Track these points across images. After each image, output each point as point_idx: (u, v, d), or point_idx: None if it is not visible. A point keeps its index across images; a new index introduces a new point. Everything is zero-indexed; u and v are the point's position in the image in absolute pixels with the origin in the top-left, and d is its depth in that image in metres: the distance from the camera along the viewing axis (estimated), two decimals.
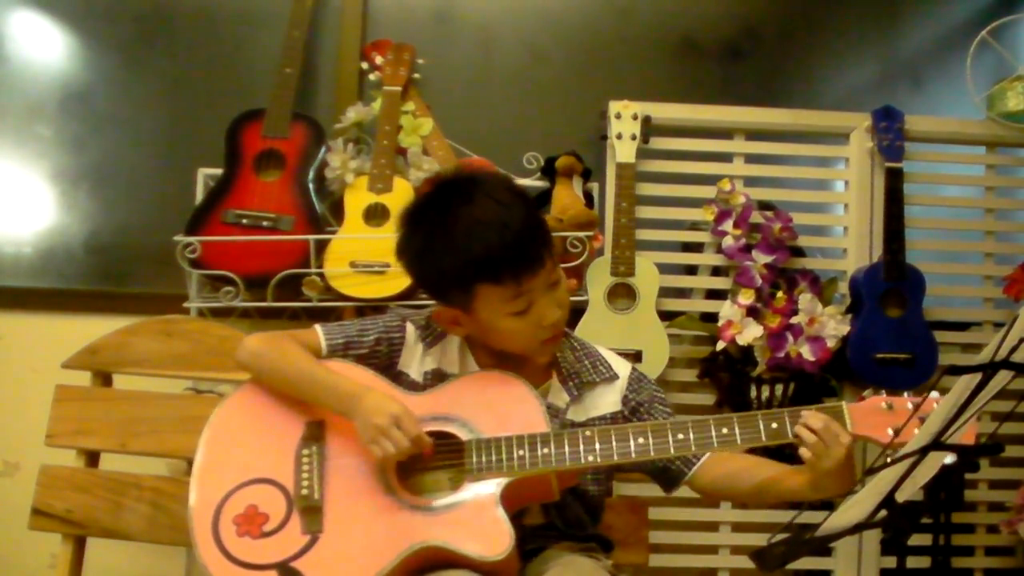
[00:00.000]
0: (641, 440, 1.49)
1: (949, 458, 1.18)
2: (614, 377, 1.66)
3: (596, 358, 1.68)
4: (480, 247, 1.45)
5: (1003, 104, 2.55)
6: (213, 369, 1.90)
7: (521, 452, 1.47)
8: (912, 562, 2.39)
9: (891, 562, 2.42)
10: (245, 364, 1.59)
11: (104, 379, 1.93)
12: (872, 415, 1.46)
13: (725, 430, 1.48)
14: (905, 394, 1.48)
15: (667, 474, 1.64)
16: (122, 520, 1.83)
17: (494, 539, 1.40)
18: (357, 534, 1.45)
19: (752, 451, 1.56)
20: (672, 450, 1.49)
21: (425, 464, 1.52)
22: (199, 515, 1.49)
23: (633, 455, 1.49)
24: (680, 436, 1.49)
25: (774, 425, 1.48)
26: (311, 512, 1.47)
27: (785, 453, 2.30)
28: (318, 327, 1.62)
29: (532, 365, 1.62)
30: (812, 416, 1.44)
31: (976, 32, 2.57)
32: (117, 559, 2.24)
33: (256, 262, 2.24)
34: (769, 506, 2.36)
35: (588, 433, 1.50)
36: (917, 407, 1.43)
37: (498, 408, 1.52)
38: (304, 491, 1.48)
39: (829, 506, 1.43)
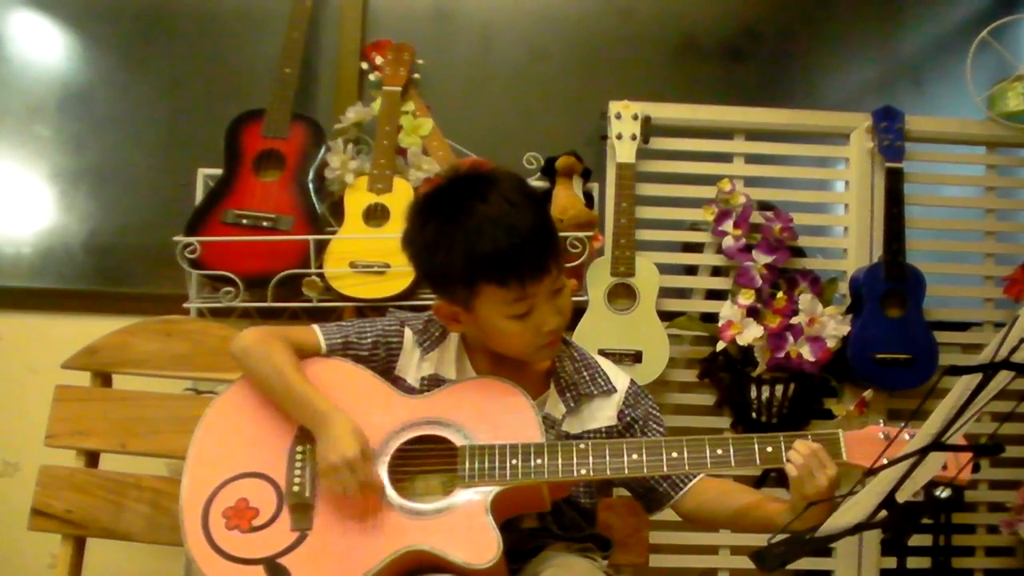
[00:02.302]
0: (635, 456, 1.49)
1: (944, 492, 1.19)
2: (612, 391, 1.66)
3: (595, 370, 1.68)
4: (489, 246, 1.44)
5: (1003, 104, 2.55)
6: (213, 369, 1.90)
7: (514, 461, 1.47)
8: (912, 562, 2.39)
9: (891, 562, 2.42)
10: (237, 358, 1.59)
11: (104, 379, 1.93)
12: (867, 444, 1.46)
13: (720, 451, 1.49)
14: (902, 424, 1.48)
15: (653, 495, 1.64)
16: (122, 520, 1.83)
17: (482, 547, 1.39)
18: (346, 534, 1.44)
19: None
20: (665, 467, 1.49)
21: (418, 468, 1.52)
22: (189, 506, 1.48)
23: (626, 471, 1.49)
24: (674, 454, 1.49)
25: (769, 449, 1.48)
26: (301, 509, 1.47)
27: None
28: (316, 327, 1.62)
29: (530, 374, 1.62)
30: (802, 443, 1.45)
31: (976, 32, 2.57)
32: (117, 559, 2.24)
33: (256, 262, 2.24)
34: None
35: (582, 446, 1.49)
36: (891, 440, 1.44)
37: (494, 416, 1.52)
38: (296, 488, 1.48)
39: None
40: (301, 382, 1.52)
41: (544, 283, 1.48)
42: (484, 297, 1.49)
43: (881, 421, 1.50)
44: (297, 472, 1.50)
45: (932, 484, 1.36)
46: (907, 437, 1.43)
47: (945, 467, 1.37)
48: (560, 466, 1.47)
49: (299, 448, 1.52)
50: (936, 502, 1.32)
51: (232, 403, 1.58)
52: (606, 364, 1.71)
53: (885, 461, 1.38)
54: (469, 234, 1.45)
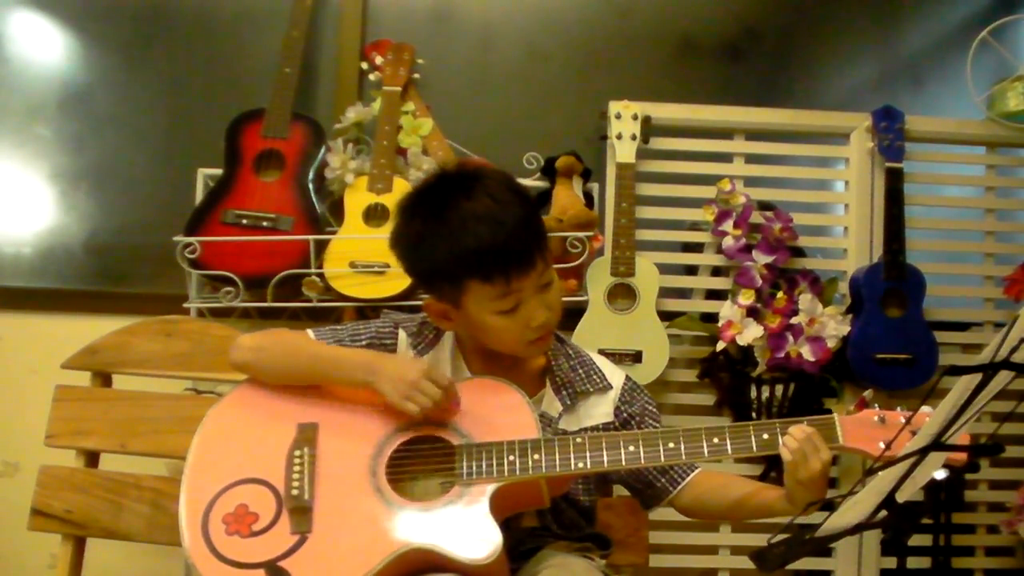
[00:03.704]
0: (632, 448, 1.49)
1: (941, 473, 1.19)
2: (607, 387, 1.66)
3: (590, 367, 1.68)
4: (472, 242, 1.44)
5: (1003, 104, 2.55)
6: (213, 369, 1.90)
7: (512, 458, 1.47)
8: (912, 562, 2.39)
9: (891, 562, 2.42)
10: (244, 361, 1.59)
11: (104, 379, 1.92)
12: (864, 428, 1.46)
13: (716, 440, 1.48)
14: (898, 408, 1.48)
15: (652, 490, 1.65)
16: (122, 520, 1.83)
17: (483, 542, 1.39)
18: (346, 535, 1.44)
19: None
20: (663, 458, 1.49)
21: (416, 468, 1.52)
22: (189, 512, 1.48)
23: (624, 463, 1.49)
24: (671, 445, 1.48)
25: (765, 436, 1.48)
26: (300, 512, 1.47)
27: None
28: (309, 331, 1.63)
29: (526, 372, 1.62)
30: (797, 428, 1.45)
31: (976, 32, 2.57)
32: (117, 559, 2.24)
33: (256, 262, 2.24)
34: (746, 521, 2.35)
35: (579, 440, 1.49)
36: (908, 420, 1.43)
37: (490, 415, 1.52)
38: (294, 491, 1.48)
39: (829, 506, 1.43)
40: (334, 349, 1.56)
41: (530, 277, 1.48)
42: (470, 293, 1.49)
43: (877, 406, 1.50)
44: (296, 475, 1.49)
45: None
46: (902, 420, 1.44)
47: None
48: (557, 461, 1.47)
49: (297, 453, 1.52)
50: (936, 501, 1.32)
51: (229, 410, 1.58)
52: (601, 361, 1.71)
53: (881, 445, 1.39)
54: (453, 230, 1.45)
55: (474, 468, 1.47)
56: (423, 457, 1.51)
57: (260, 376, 1.59)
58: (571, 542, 1.61)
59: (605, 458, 1.48)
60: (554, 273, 1.55)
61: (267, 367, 1.58)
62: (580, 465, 1.47)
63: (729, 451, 1.48)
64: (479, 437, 1.50)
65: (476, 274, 1.46)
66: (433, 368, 1.49)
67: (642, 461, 1.49)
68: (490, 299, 1.48)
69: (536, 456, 1.47)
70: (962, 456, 1.31)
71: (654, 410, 1.69)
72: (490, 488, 1.45)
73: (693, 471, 1.63)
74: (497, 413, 1.52)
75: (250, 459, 1.52)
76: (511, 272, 1.46)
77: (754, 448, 1.48)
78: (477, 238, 1.44)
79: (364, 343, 1.61)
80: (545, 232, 1.54)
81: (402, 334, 1.64)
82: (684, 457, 1.49)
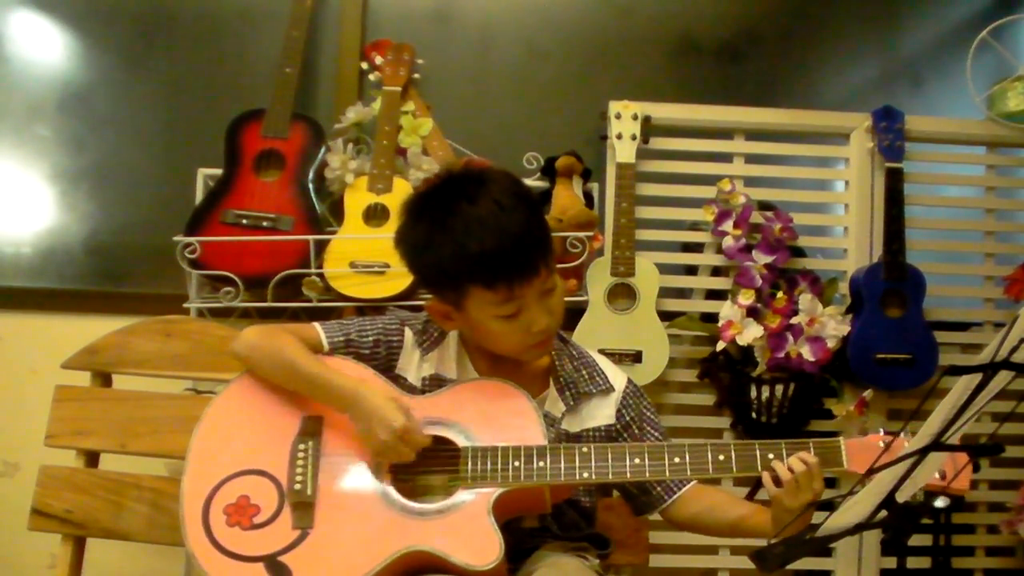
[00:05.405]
0: (637, 461, 1.49)
1: (941, 501, 1.20)
2: (610, 389, 1.66)
3: (593, 368, 1.68)
4: (475, 248, 1.44)
5: (1003, 104, 2.55)
6: (213, 369, 1.90)
7: (517, 463, 1.47)
8: (912, 562, 2.39)
9: (891, 562, 2.42)
10: (242, 356, 1.59)
11: (104, 379, 1.93)
12: (868, 452, 1.47)
13: (722, 456, 1.49)
14: (902, 434, 1.48)
15: (647, 496, 1.65)
16: (122, 520, 1.83)
17: (483, 549, 1.40)
18: (347, 533, 1.45)
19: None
20: (667, 473, 1.50)
21: (420, 468, 1.52)
22: (190, 502, 1.48)
23: (628, 475, 1.49)
24: (676, 459, 1.49)
25: (771, 456, 1.49)
26: (303, 507, 1.47)
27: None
28: (317, 325, 1.62)
29: (530, 372, 1.62)
30: (795, 460, 1.46)
31: (976, 32, 2.57)
32: (117, 559, 2.24)
33: (256, 262, 2.24)
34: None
35: (584, 450, 1.50)
36: (888, 445, 1.44)
37: (496, 417, 1.52)
38: (297, 486, 1.48)
39: (829, 506, 1.43)
40: (320, 368, 1.54)
41: (533, 284, 1.48)
42: (472, 298, 1.49)
43: (881, 430, 1.51)
44: (299, 470, 1.50)
45: (930, 494, 1.37)
46: (906, 446, 1.44)
47: (944, 476, 1.38)
48: (562, 469, 1.47)
49: (301, 446, 1.52)
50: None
51: (233, 401, 1.58)
52: (604, 362, 1.71)
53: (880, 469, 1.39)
54: (456, 236, 1.45)
55: (479, 471, 1.47)
56: (428, 457, 1.51)
57: (255, 372, 1.60)
58: (567, 542, 1.61)
59: (610, 469, 1.49)
60: (557, 278, 1.55)
61: (260, 366, 1.59)
62: (585, 475, 1.48)
63: (734, 469, 1.49)
64: (485, 440, 1.50)
65: (479, 280, 1.46)
66: (410, 426, 1.46)
67: (647, 474, 1.50)
68: (492, 304, 1.48)
69: (541, 463, 1.47)
70: (964, 486, 1.34)
71: (652, 416, 1.70)
72: (494, 492, 1.45)
73: (688, 483, 1.63)
74: (503, 416, 1.52)
75: (253, 450, 1.52)
76: (514, 279, 1.46)
77: (759, 468, 1.49)
78: (481, 244, 1.44)
79: (371, 339, 1.61)
80: (550, 238, 1.54)
81: (408, 332, 1.64)
82: (689, 473, 1.50)
